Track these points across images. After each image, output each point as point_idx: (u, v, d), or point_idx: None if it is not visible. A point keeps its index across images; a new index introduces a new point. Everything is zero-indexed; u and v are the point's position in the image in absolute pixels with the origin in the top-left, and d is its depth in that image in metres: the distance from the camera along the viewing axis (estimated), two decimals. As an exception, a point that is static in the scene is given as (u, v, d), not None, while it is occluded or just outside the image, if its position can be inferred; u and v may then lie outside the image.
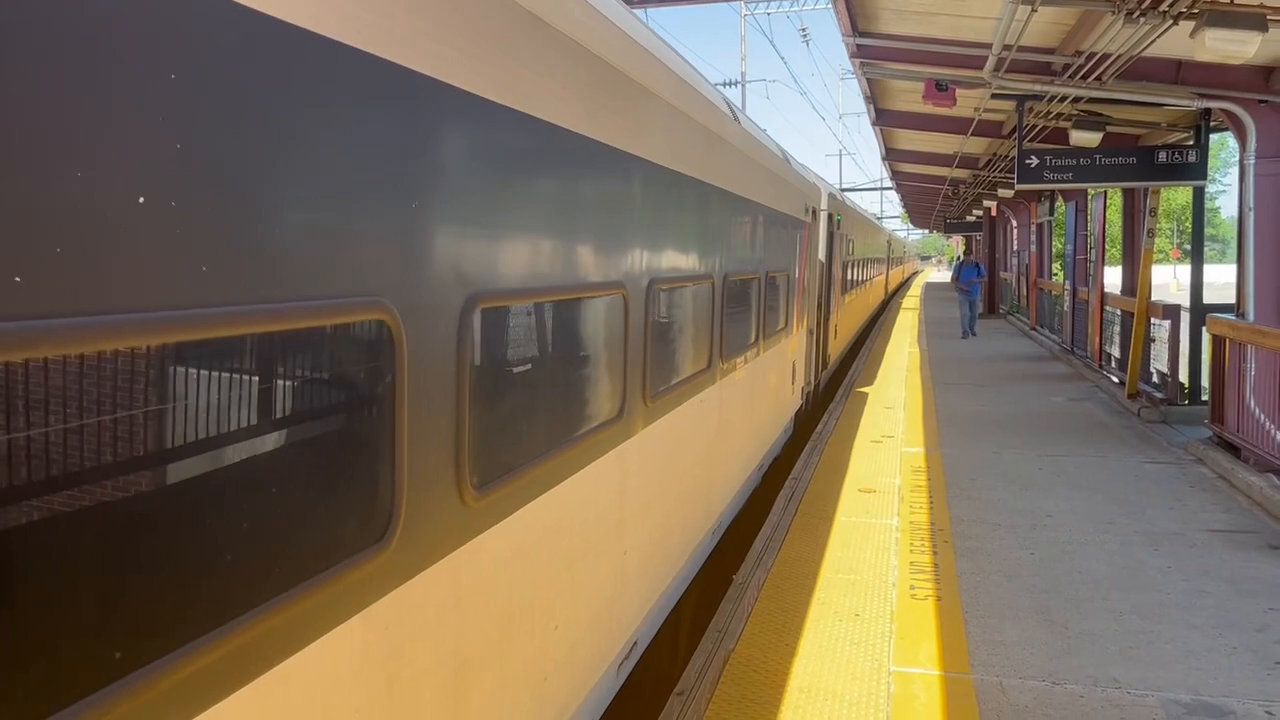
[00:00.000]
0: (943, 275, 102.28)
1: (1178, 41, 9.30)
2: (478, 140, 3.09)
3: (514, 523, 3.41)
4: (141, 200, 1.69)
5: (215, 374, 2.03)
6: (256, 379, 2.18)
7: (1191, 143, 13.42)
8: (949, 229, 54.76)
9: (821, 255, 14.48)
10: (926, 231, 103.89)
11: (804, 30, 38.93)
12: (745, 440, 8.50)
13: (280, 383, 2.28)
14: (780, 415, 10.77)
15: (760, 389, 9.21)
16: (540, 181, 3.62)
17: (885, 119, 19.12)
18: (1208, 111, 12.52)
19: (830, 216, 15.32)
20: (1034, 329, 27.18)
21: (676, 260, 5.72)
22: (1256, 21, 7.62)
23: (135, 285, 1.69)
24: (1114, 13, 8.59)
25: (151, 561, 1.82)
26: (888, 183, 50.95)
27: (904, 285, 68.43)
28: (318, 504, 2.30)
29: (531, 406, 3.76)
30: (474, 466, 3.04)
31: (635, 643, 5.10)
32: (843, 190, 33.78)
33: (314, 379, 2.43)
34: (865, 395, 15.51)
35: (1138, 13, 8.36)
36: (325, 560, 2.29)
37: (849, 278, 20.24)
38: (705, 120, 6.28)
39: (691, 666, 5.58)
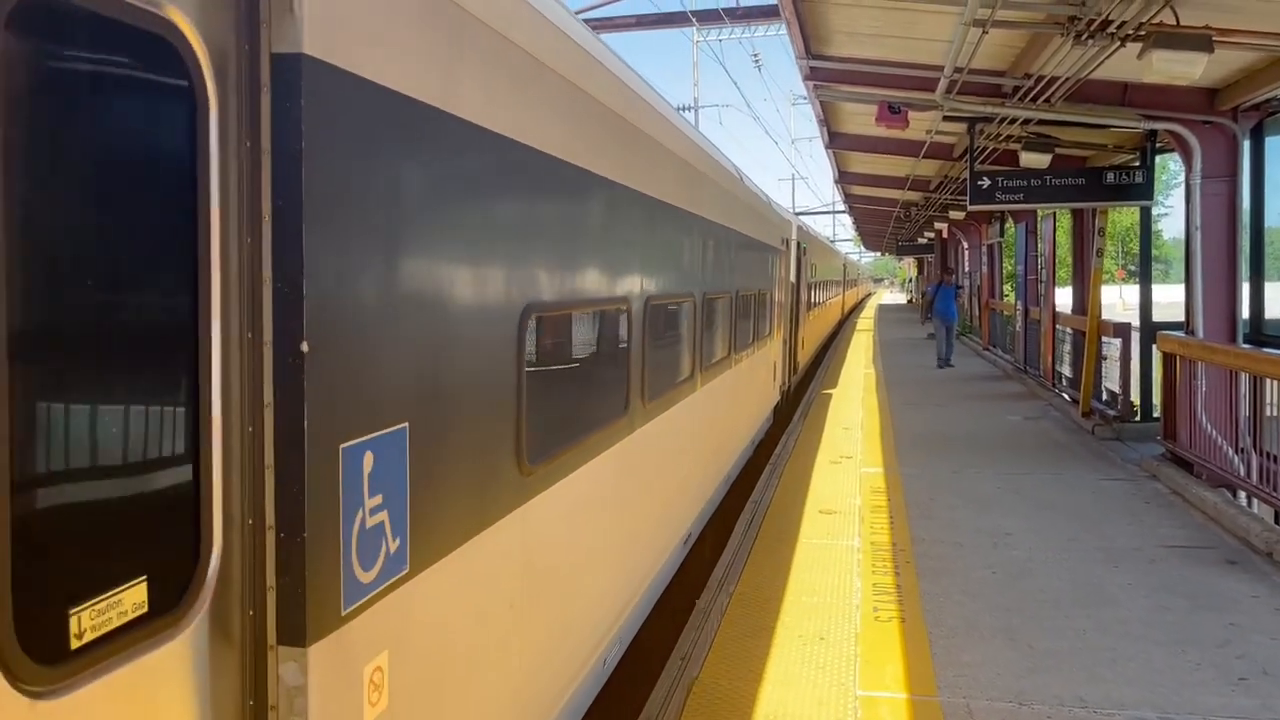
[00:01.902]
0: (895, 297, 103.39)
1: (1124, 64, 9.45)
2: (678, 231, 7.02)
3: (656, 424, 6.37)
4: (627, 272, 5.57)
5: (609, 322, 5.44)
6: (609, 330, 5.49)
7: (1138, 164, 13.65)
8: (900, 251, 55.38)
9: (792, 278, 17.08)
10: (878, 254, 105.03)
11: (756, 56, 39.23)
12: (746, 415, 11.55)
13: (612, 331, 5.49)
14: (765, 404, 13.74)
15: (755, 378, 12.21)
16: (675, 239, 6.97)
17: (838, 142, 19.27)
18: (1153, 133, 12.74)
19: (798, 245, 17.94)
20: (986, 349, 27.48)
21: (715, 280, 8.70)
22: (1203, 43, 7.75)
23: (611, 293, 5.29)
24: (1063, 35, 8.70)
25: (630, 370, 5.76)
26: (839, 206, 51.43)
27: (859, 306, 69.24)
28: (618, 381, 5.62)
29: (659, 360, 6.60)
30: (648, 385, 6.09)
31: (690, 535, 7.96)
32: (796, 214, 34.05)
33: (619, 334, 5.60)
34: (823, 416, 15.52)
35: (1086, 35, 8.46)
36: (615, 411, 5.43)
37: (813, 299, 23.22)
38: (729, 186, 9.57)
39: (654, 696, 5.45)
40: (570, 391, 4.81)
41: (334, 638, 2.56)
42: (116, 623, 2.02)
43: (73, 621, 1.93)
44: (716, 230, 8.59)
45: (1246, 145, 11.27)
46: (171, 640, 2.17)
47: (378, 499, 2.73)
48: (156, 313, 2.18)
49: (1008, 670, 5.76)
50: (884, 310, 62.98)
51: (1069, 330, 17.40)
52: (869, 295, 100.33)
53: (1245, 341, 11.33)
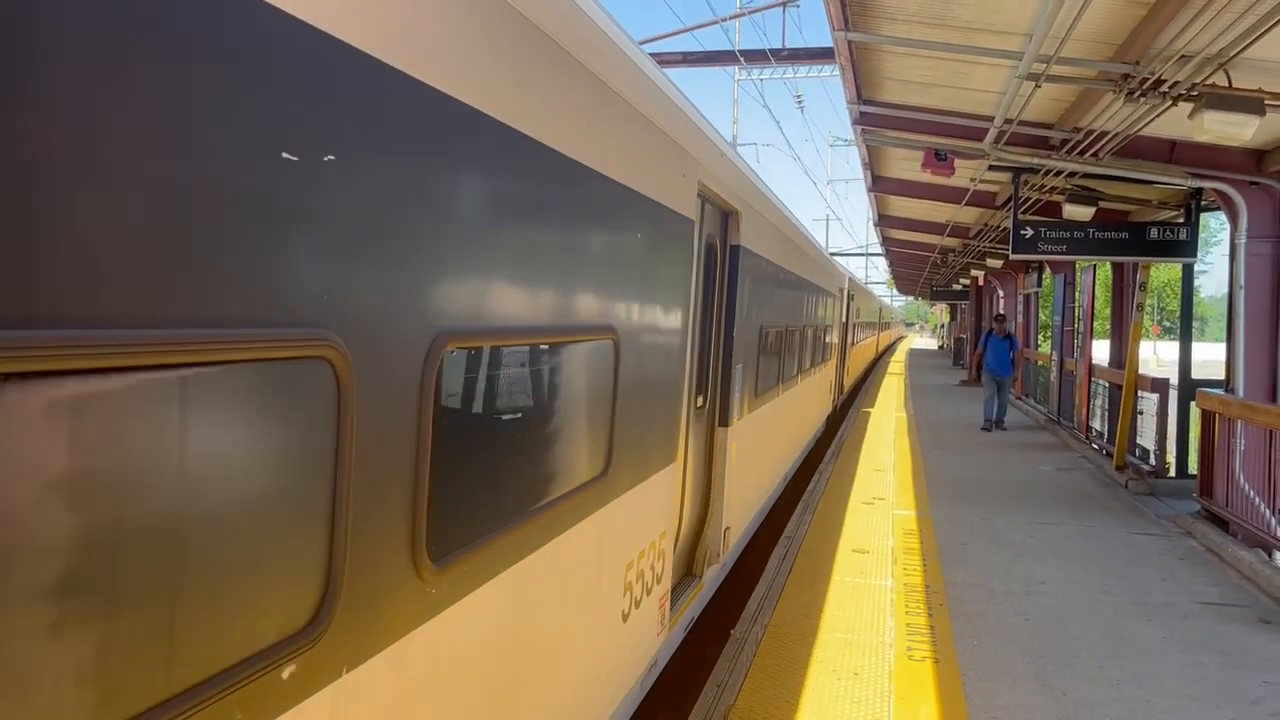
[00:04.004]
0: (926, 343, 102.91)
1: (1173, 123, 9.56)
2: (802, 289, 12.33)
3: (785, 395, 11.17)
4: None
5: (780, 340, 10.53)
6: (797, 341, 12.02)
7: (1182, 220, 13.70)
8: (934, 296, 55.36)
9: (842, 319, 21.48)
10: (910, 298, 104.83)
11: (799, 96, 39.46)
12: (815, 411, 16.13)
13: (776, 341, 10.18)
14: (823, 411, 18.24)
15: (820, 388, 16.83)
16: (801, 294, 12.07)
17: (881, 185, 19.43)
18: (1199, 191, 12.81)
19: (847, 291, 22.51)
20: (1019, 398, 27.37)
21: (808, 318, 13.06)
22: (1255, 105, 7.85)
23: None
24: (1115, 92, 8.83)
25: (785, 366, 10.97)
26: (875, 248, 51.51)
27: (890, 348, 69.21)
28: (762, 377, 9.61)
29: (789, 360, 11.15)
30: (785, 372, 10.75)
31: (787, 476, 11.96)
32: (830, 254, 34.23)
33: (778, 344, 10.27)
34: (855, 456, 15.57)
35: (1139, 93, 8.59)
36: (774, 383, 10.22)
37: (855, 337, 28.76)
38: (817, 257, 14.39)
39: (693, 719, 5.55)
40: (765, 367, 9.11)
41: (731, 427, 7.18)
42: (705, 408, 6.79)
43: (698, 399, 6.49)
44: (812, 287, 13.46)
45: (1293, 207, 11.30)
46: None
47: (737, 386, 7.20)
48: (701, 320, 6.46)
49: (1041, 716, 5.81)
50: (914, 355, 62.76)
51: (1104, 383, 17.38)
52: (901, 338, 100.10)
53: (1286, 403, 11.29)
